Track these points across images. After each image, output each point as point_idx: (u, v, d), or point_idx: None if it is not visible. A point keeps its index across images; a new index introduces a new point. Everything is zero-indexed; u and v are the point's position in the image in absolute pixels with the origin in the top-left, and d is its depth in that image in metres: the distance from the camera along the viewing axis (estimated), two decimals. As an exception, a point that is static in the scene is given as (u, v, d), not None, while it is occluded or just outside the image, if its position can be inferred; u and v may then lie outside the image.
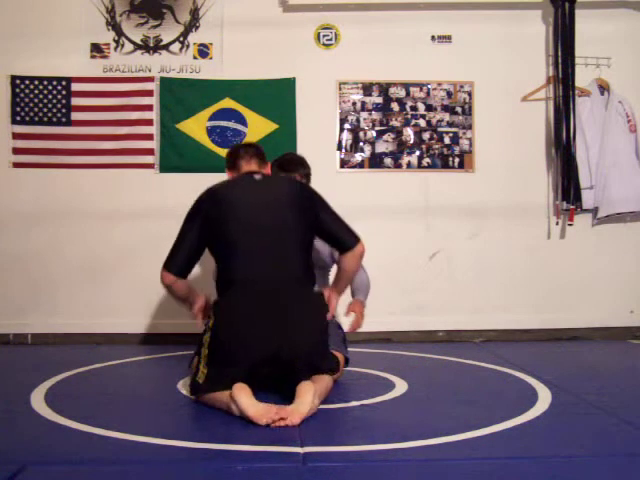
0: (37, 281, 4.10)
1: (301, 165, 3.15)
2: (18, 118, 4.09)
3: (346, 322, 3.11)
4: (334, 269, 2.92)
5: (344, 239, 2.68)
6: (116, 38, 4.15)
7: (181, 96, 4.15)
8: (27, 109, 4.09)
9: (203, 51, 4.18)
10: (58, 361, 3.43)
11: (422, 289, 4.19)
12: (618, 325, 4.25)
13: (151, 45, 4.17)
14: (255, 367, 2.44)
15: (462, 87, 4.24)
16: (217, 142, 4.15)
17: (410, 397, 2.68)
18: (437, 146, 4.22)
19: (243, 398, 2.26)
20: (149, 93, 4.13)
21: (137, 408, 2.54)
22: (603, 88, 4.21)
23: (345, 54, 4.21)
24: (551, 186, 4.22)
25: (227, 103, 4.16)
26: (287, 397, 2.39)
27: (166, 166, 4.14)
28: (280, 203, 2.64)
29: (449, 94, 4.23)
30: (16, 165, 4.10)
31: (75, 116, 4.10)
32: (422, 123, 4.22)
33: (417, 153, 4.22)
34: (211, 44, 4.18)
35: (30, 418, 2.35)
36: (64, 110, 4.10)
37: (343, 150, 4.21)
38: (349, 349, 3.12)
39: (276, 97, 4.17)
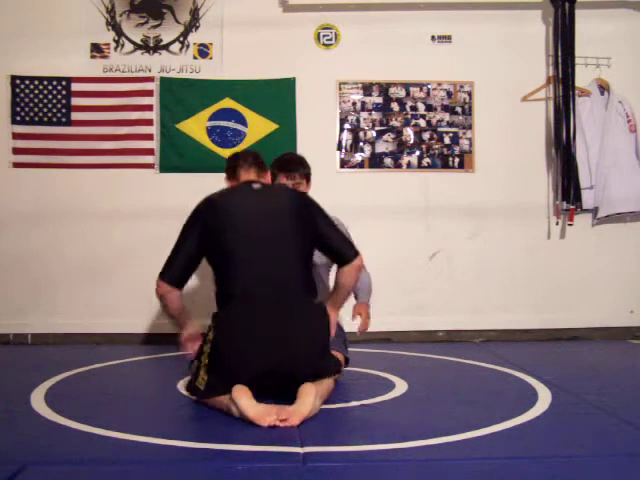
0: (37, 281, 4.10)
1: (301, 165, 3.13)
2: (18, 118, 4.09)
3: (352, 325, 3.12)
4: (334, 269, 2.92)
5: (343, 251, 2.64)
6: (116, 38, 4.15)
7: (181, 96, 4.15)
8: (27, 109, 4.09)
9: (203, 51, 4.18)
10: (58, 361, 3.42)
11: (422, 289, 4.19)
12: (618, 325, 4.25)
13: (151, 45, 4.17)
14: (255, 380, 2.40)
15: (462, 87, 4.24)
16: (217, 142, 4.15)
17: (410, 397, 2.68)
18: (437, 146, 4.22)
19: (243, 399, 2.25)
20: (149, 93, 4.14)
21: (137, 408, 2.54)
22: (603, 88, 4.21)
23: (345, 54, 4.21)
24: (551, 186, 4.22)
25: (227, 103, 4.16)
26: (287, 397, 2.39)
27: (166, 166, 4.14)
28: (279, 213, 2.61)
29: (449, 94, 4.23)
30: (16, 165, 4.10)
31: (75, 116, 4.10)
32: (422, 123, 4.22)
33: (417, 153, 4.22)
34: (211, 44, 4.18)
35: (30, 418, 2.35)
36: (64, 110, 4.10)
37: (343, 150, 4.21)
38: (349, 349, 3.13)
39: (276, 97, 4.17)
